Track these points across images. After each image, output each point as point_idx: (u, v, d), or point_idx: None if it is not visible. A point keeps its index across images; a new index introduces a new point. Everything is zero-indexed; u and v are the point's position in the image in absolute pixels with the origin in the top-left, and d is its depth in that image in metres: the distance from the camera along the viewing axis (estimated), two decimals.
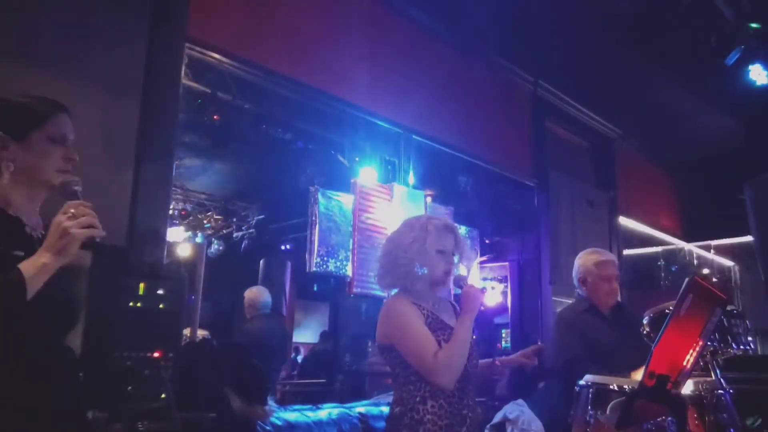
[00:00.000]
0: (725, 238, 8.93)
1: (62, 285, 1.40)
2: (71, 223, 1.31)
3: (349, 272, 4.38)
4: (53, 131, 1.47)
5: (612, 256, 2.99)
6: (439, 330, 2.02)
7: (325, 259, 4.28)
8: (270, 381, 4.71)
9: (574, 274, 3.03)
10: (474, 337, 2.09)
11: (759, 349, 7.72)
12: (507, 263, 6.82)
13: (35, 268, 1.29)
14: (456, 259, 2.14)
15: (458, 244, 2.15)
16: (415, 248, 2.06)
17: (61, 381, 1.46)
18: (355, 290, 4.42)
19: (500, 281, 6.80)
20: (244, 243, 9.02)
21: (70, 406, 1.49)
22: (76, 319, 1.54)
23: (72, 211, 1.33)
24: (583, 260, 2.98)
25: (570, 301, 3.46)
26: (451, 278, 2.12)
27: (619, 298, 3.05)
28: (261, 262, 8.61)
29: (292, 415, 3.43)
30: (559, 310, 2.89)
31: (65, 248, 1.31)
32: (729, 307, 2.82)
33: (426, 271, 2.06)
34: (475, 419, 2.01)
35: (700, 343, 1.73)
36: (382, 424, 3.84)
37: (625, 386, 2.24)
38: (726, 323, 2.73)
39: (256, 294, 5.19)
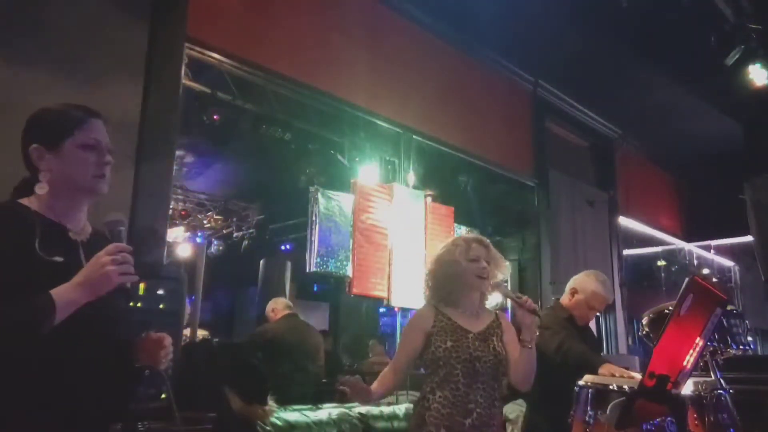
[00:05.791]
0: (725, 238, 8.93)
1: (107, 302, 1.42)
2: (113, 268, 1.36)
3: (349, 272, 4.38)
4: (84, 138, 1.48)
5: (611, 297, 3.16)
6: (447, 333, 2.16)
7: (325, 259, 4.28)
8: (301, 382, 4.65)
9: (571, 281, 3.18)
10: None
11: (759, 349, 7.73)
12: (507, 263, 6.81)
13: (66, 300, 1.33)
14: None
15: (490, 255, 2.39)
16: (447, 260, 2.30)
17: (90, 393, 1.47)
18: (355, 290, 4.42)
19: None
20: (244, 243, 9.03)
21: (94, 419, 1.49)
22: (115, 334, 1.56)
23: (116, 256, 1.37)
24: (587, 282, 3.11)
25: None
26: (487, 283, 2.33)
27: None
28: (261, 262, 8.61)
29: (292, 415, 3.42)
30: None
31: (100, 287, 1.36)
32: (729, 307, 2.82)
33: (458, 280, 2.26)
34: (484, 415, 2.08)
35: (700, 343, 1.73)
36: (382, 424, 3.84)
37: (625, 386, 2.25)
38: (726, 323, 2.74)
39: (274, 300, 5.09)
